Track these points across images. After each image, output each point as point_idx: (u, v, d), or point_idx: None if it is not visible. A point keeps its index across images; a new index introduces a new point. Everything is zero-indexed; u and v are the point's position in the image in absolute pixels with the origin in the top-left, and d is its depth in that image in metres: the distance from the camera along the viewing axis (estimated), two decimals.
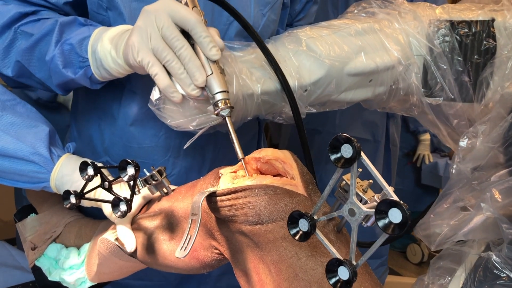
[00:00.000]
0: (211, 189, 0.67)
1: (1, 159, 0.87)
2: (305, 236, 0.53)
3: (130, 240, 0.84)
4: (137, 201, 0.87)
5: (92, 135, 1.07)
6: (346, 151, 0.48)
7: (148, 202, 0.88)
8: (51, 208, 1.11)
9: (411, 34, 1.04)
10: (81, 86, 0.94)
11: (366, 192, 0.56)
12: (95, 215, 1.06)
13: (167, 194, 0.83)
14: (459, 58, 1.03)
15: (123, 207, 0.75)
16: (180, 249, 0.65)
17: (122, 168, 0.74)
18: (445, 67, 1.04)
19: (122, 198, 0.74)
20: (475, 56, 1.03)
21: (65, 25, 0.88)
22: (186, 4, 0.77)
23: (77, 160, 0.90)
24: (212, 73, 0.72)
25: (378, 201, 0.53)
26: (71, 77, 0.86)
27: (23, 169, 0.88)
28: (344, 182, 0.57)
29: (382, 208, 0.44)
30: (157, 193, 0.84)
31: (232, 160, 1.11)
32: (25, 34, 0.89)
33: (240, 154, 0.71)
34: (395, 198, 0.46)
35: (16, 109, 0.90)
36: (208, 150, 1.06)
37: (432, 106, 1.08)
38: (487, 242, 0.94)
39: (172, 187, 0.87)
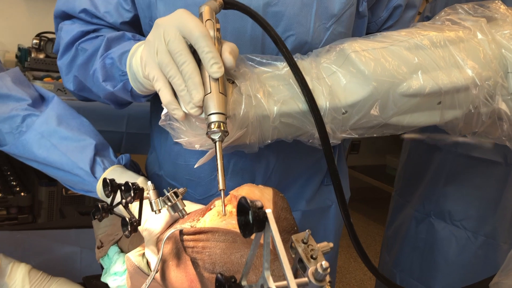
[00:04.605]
0: (184, 226, 0.61)
1: (56, 170, 0.95)
2: None
3: (153, 262, 0.83)
4: (163, 219, 0.85)
5: (156, 147, 1.09)
6: (251, 217, 0.39)
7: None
8: None
9: (504, 45, 0.84)
10: (152, 98, 0.94)
11: (315, 259, 0.45)
12: None
13: (183, 216, 0.80)
14: None
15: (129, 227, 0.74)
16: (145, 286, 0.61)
17: (126, 190, 0.73)
18: None
19: (127, 219, 0.74)
20: None
21: (112, 41, 0.89)
22: (201, 16, 0.72)
23: (122, 173, 0.93)
24: (210, 92, 0.66)
25: (311, 278, 0.43)
26: (110, 91, 0.88)
27: (73, 179, 0.94)
28: (292, 242, 0.47)
29: None
30: (176, 214, 0.81)
31: (285, 187, 1.02)
32: (83, 51, 0.93)
33: (221, 184, 0.62)
34: None
35: (70, 123, 0.96)
36: (259, 173, 0.99)
37: None
38: None
39: (197, 206, 0.83)
